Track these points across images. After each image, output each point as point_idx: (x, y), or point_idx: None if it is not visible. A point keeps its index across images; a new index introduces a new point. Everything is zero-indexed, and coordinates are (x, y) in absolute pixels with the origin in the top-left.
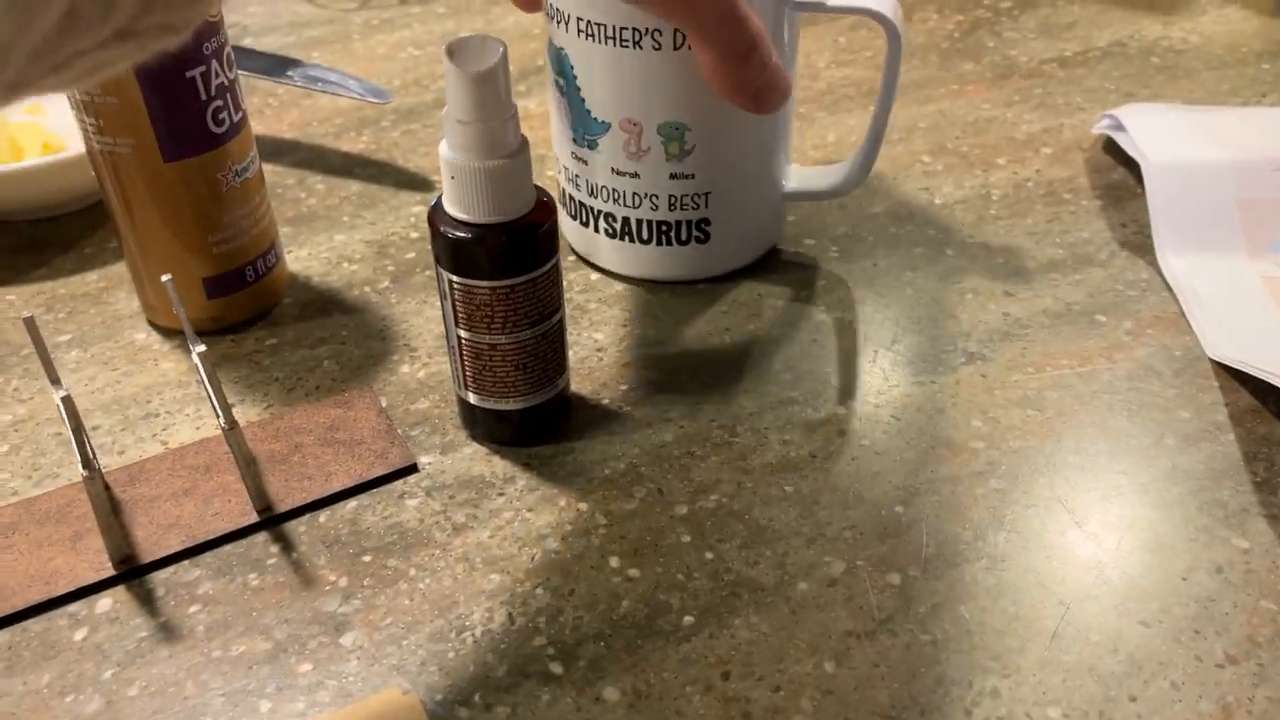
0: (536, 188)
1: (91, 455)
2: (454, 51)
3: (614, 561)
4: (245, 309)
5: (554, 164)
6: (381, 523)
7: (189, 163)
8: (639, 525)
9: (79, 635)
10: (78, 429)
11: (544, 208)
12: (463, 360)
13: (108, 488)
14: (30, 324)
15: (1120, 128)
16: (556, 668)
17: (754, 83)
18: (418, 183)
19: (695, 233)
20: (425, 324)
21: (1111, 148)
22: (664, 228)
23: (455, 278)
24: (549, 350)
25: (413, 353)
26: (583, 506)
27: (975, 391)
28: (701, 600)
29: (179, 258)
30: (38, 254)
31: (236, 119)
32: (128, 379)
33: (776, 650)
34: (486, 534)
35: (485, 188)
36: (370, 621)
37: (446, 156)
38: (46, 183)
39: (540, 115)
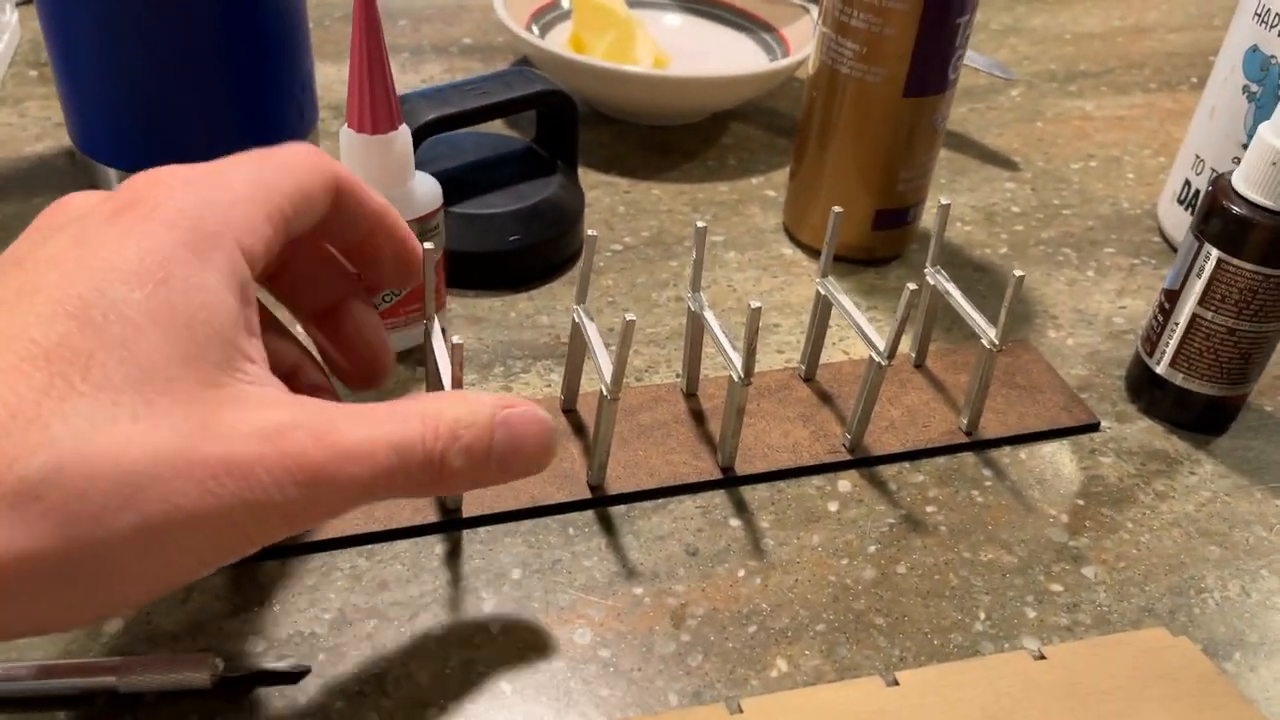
0: None
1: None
2: None
3: None
4: (893, 247)
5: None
6: (1082, 472)
7: (921, 101)
8: None
9: (832, 507)
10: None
11: None
12: (1182, 337)
13: (809, 380)
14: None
15: None
16: None
17: None
18: (999, 160)
19: None
20: (1056, 295)
21: None
22: None
23: (1224, 255)
24: (1270, 348)
25: (1054, 320)
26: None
27: None
28: None
29: (866, 185)
30: (663, 157)
31: (958, 72)
32: (789, 288)
33: None
34: (1191, 507)
35: None
36: (1104, 561)
37: (1272, 143)
38: (681, 94)
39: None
